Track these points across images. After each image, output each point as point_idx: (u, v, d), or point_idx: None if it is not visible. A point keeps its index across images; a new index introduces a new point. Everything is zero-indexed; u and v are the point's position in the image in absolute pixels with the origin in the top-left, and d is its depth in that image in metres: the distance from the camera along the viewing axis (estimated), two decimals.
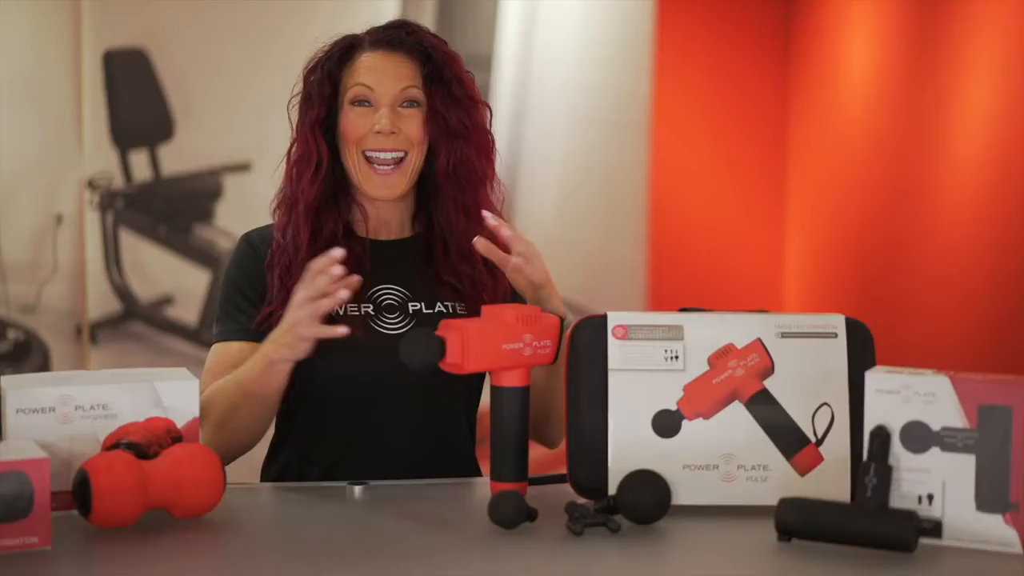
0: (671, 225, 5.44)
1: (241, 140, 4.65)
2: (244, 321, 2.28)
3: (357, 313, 2.28)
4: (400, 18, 2.36)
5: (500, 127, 5.05)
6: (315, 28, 2.37)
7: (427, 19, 4.89)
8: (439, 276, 2.31)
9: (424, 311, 2.29)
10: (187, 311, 4.72)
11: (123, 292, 4.69)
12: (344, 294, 2.05)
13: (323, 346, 2.18)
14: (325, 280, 2.05)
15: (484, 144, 2.32)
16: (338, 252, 2.06)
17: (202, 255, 4.72)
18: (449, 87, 2.28)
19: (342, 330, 2.06)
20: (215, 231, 4.73)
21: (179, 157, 4.71)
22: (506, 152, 5.22)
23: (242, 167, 4.70)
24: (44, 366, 4.60)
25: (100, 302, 4.68)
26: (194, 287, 4.67)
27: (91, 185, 4.65)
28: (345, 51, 2.30)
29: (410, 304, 2.31)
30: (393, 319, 2.29)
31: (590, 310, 5.03)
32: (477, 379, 2.34)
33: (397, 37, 2.29)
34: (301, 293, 2.07)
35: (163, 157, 4.71)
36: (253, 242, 2.33)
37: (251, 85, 4.62)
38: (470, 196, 2.31)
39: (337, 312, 2.24)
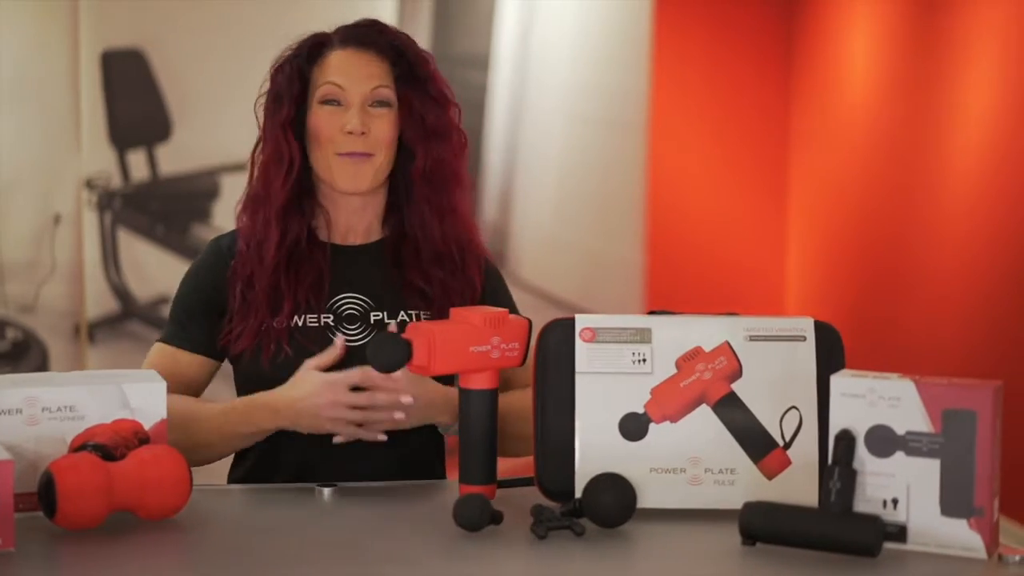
0: (669, 225, 5.43)
1: (238, 140, 4.58)
2: (194, 332, 2.28)
3: (317, 324, 2.26)
4: (369, 18, 2.31)
5: (497, 126, 5.08)
6: (310, 27, 2.34)
7: (424, 18, 4.89)
8: (408, 280, 2.28)
9: (386, 320, 2.27)
10: None
11: (121, 291, 4.71)
12: (401, 416, 2.09)
13: (281, 357, 2.20)
14: (387, 399, 2.09)
15: (459, 144, 2.31)
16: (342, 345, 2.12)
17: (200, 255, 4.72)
18: (424, 85, 2.26)
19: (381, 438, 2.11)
20: (213, 230, 4.74)
21: (177, 157, 4.73)
22: (503, 151, 5.27)
23: (239, 167, 4.65)
24: (43, 365, 4.62)
25: (98, 301, 4.70)
26: None
27: (89, 185, 4.66)
28: (314, 48, 2.26)
29: (372, 314, 2.28)
30: (354, 330, 2.27)
31: (585, 310, 5.04)
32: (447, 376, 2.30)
33: (368, 35, 2.26)
34: (349, 402, 2.08)
35: (161, 157, 4.73)
36: (221, 250, 2.32)
37: (248, 85, 4.59)
38: (445, 198, 2.29)
39: (296, 323, 2.24)
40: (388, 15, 4.83)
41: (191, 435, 2.15)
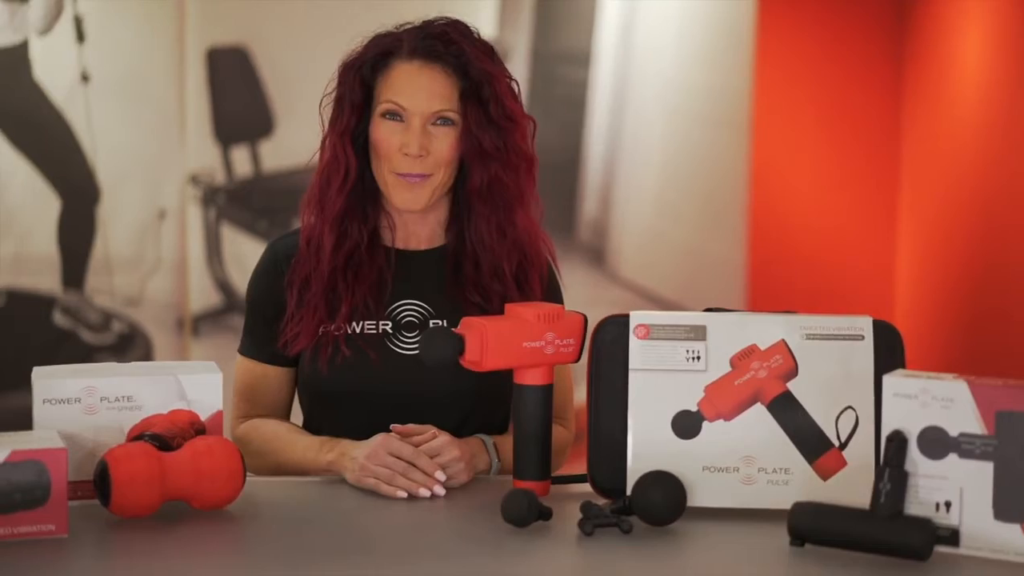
0: (772, 224, 5.38)
1: None
2: (264, 342, 2.29)
3: (375, 331, 2.25)
4: (444, 18, 2.24)
5: (598, 123, 5.06)
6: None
7: (525, 15, 4.89)
8: (466, 293, 2.25)
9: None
10: None
11: (224, 285, 4.78)
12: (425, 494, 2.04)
13: (339, 359, 2.20)
14: (428, 466, 2.05)
15: (519, 163, 2.24)
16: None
17: None
18: (486, 107, 2.20)
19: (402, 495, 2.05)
20: None
21: (279, 153, 4.78)
22: (604, 148, 5.25)
23: None
24: (147, 357, 4.70)
25: (202, 295, 4.77)
26: None
27: (193, 180, 4.74)
28: (380, 57, 2.22)
29: (431, 322, 2.25)
30: (412, 338, 2.25)
31: (687, 308, 5.00)
32: (502, 391, 2.23)
33: (434, 49, 2.19)
34: (391, 449, 2.06)
35: (264, 153, 4.79)
36: (277, 256, 2.31)
37: None
38: (503, 215, 2.25)
39: (354, 329, 2.24)
40: (489, 12, 4.84)
41: (296, 472, 2.19)
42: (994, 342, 4.96)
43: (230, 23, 4.74)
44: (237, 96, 4.76)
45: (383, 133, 2.20)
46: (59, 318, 4.67)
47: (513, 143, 2.23)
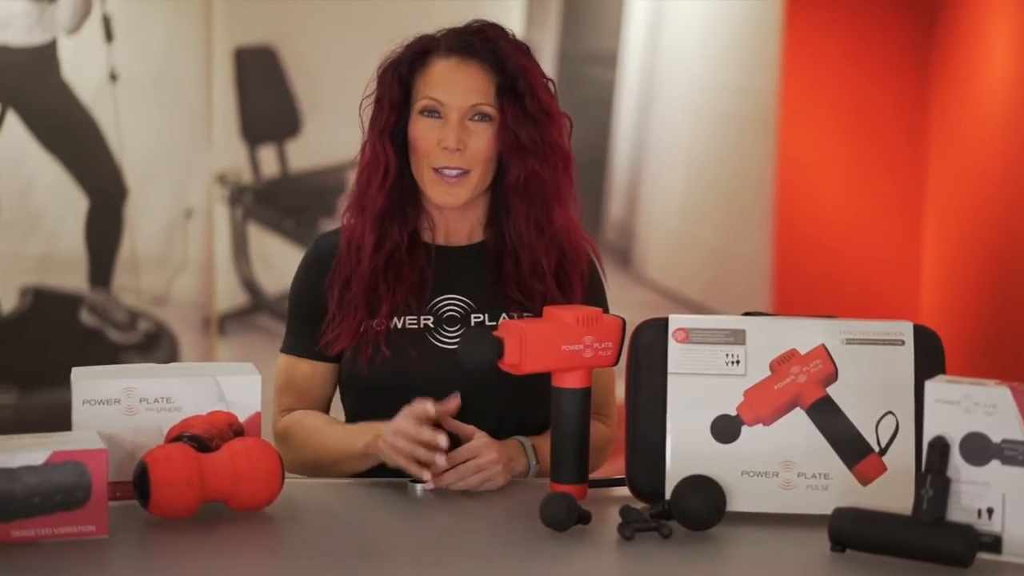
0: (799, 225, 5.36)
1: None
2: (307, 340, 2.30)
3: (416, 326, 2.25)
4: (480, 20, 2.27)
5: (625, 123, 5.05)
6: (439, 24, 2.31)
7: (552, 15, 4.89)
8: (507, 290, 2.26)
9: (487, 323, 2.25)
10: None
11: (250, 285, 4.78)
12: (442, 462, 2.04)
13: (378, 359, 2.21)
14: (425, 437, 2.04)
15: (557, 160, 2.26)
16: (454, 402, 2.09)
17: None
18: (522, 102, 2.22)
19: (426, 476, 2.05)
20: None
21: (306, 153, 4.79)
22: (631, 148, 5.24)
23: None
24: (173, 356, 4.71)
25: (228, 294, 4.77)
26: None
27: (220, 180, 4.74)
28: (418, 56, 2.24)
29: (472, 316, 2.26)
30: (453, 332, 2.25)
31: (712, 310, 5.00)
32: (540, 391, 2.18)
33: (472, 45, 2.22)
34: (404, 426, 2.06)
35: (290, 153, 4.79)
36: (321, 253, 2.32)
37: None
38: (541, 211, 2.26)
39: (395, 324, 2.24)
40: (516, 13, 4.84)
41: (337, 464, 2.20)
42: (1020, 343, 4.94)
43: (258, 23, 4.75)
44: (264, 96, 4.76)
45: (421, 130, 2.22)
46: (86, 317, 4.68)
47: (549, 138, 2.25)
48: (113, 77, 4.63)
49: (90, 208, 4.67)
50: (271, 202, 4.79)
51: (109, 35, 4.63)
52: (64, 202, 4.63)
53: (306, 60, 4.77)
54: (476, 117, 2.22)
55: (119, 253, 4.69)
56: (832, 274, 5.42)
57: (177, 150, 4.71)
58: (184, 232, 4.74)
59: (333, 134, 4.77)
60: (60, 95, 4.61)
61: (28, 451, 1.79)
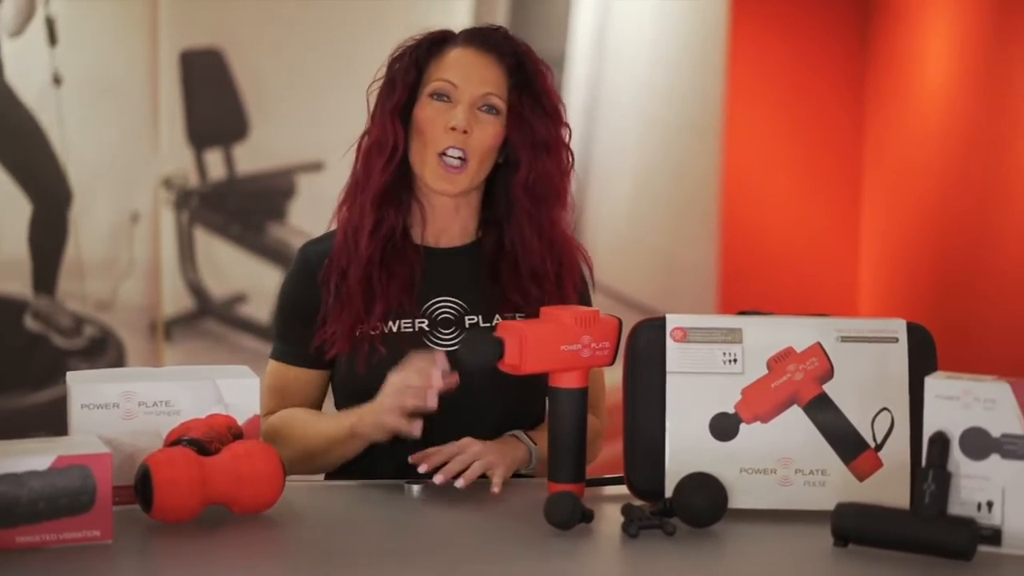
0: (743, 228, 5.41)
1: (314, 140, 4.68)
2: (298, 346, 2.30)
3: (411, 329, 2.25)
4: (496, 24, 2.32)
5: (572, 126, 5.05)
6: (387, 28, 2.35)
7: (500, 17, 4.90)
8: (505, 295, 2.27)
9: (482, 325, 2.26)
10: (260, 309, 4.75)
11: (197, 290, 4.75)
12: (433, 403, 2.04)
13: (376, 359, 2.21)
14: (419, 379, 2.05)
15: (565, 163, 2.28)
16: (442, 359, 2.06)
17: (275, 254, 4.76)
18: (539, 98, 2.24)
19: (416, 431, 2.06)
20: (288, 230, 4.77)
21: (253, 156, 4.76)
22: (577, 153, 5.20)
23: (315, 166, 4.74)
24: (119, 362, 4.66)
25: (175, 299, 4.74)
26: (267, 285, 4.69)
27: (167, 184, 4.70)
28: (436, 43, 2.26)
29: (467, 318, 2.27)
30: (449, 334, 2.26)
31: (660, 312, 5.01)
32: (536, 389, 2.19)
33: (491, 38, 2.25)
34: (396, 380, 2.07)
35: (238, 156, 4.76)
36: (309, 258, 2.32)
37: (325, 85, 4.66)
38: (545, 214, 2.27)
39: (391, 328, 2.24)
40: (463, 16, 4.84)
41: (325, 454, 2.21)
42: (954, 344, 5.02)
43: (204, 25, 4.71)
44: (211, 99, 4.73)
45: (429, 112, 2.23)
46: (30, 323, 4.62)
47: (561, 139, 2.28)
48: (57, 80, 4.58)
49: (34, 212, 4.61)
50: (218, 206, 4.76)
51: (53, 38, 4.57)
52: (7, 207, 4.56)
53: (253, 63, 4.74)
54: (485, 108, 2.24)
55: (64, 258, 4.64)
56: (775, 277, 5.47)
57: (122, 154, 4.66)
58: (130, 236, 4.69)
59: (280, 137, 4.75)
60: (3, 99, 4.54)
61: (33, 456, 1.77)
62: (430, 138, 2.23)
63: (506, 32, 2.28)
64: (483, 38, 2.26)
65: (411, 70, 2.25)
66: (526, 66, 2.24)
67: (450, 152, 2.22)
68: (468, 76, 2.22)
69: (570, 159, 2.30)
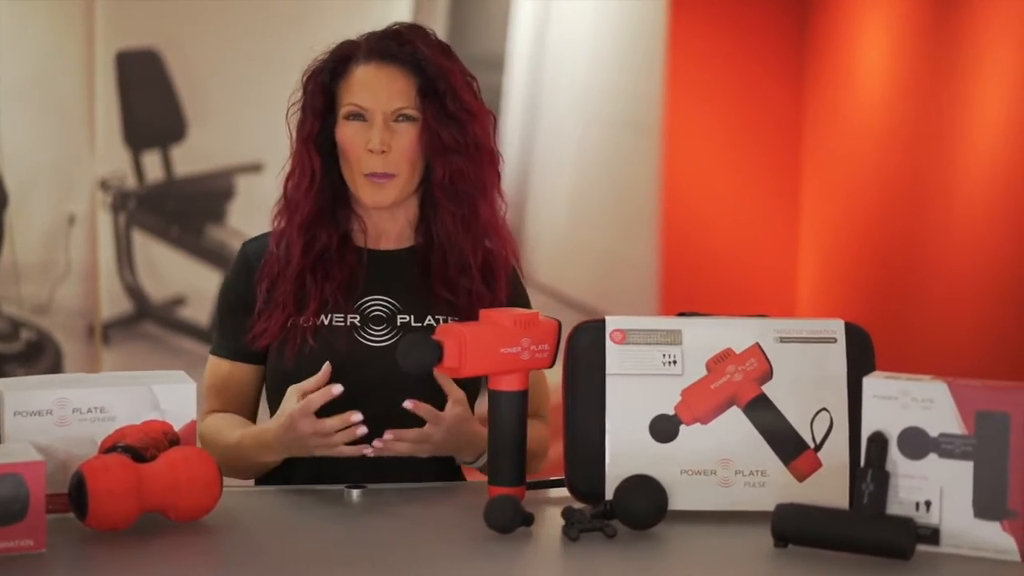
0: (683, 227, 5.43)
1: (253, 141, 4.65)
2: (234, 340, 2.32)
3: (343, 323, 2.27)
4: (399, 23, 2.30)
5: (512, 127, 5.06)
6: (327, 28, 2.34)
7: (439, 19, 4.88)
8: (435, 289, 2.28)
9: (413, 324, 2.27)
10: (199, 311, 4.72)
11: (135, 292, 4.71)
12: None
13: (306, 350, 2.22)
14: (331, 425, 2.08)
15: (481, 157, 2.28)
16: (337, 389, 2.09)
17: (214, 256, 4.73)
18: (442, 101, 2.24)
19: (368, 451, 2.10)
20: (227, 232, 4.73)
21: (191, 158, 4.72)
22: (518, 152, 5.26)
23: (254, 168, 4.71)
24: (57, 366, 4.61)
25: (113, 302, 4.69)
26: (206, 287, 4.66)
27: (103, 185, 4.66)
28: (340, 63, 2.26)
29: (399, 317, 2.28)
30: (379, 331, 2.27)
31: (601, 312, 5.03)
32: (470, 379, 2.21)
33: (390, 49, 2.24)
34: (306, 427, 2.09)
35: (175, 158, 4.72)
36: (248, 256, 2.34)
37: (263, 86, 4.60)
38: (468, 208, 2.28)
39: (323, 321, 2.26)
40: (403, 14, 4.82)
41: (246, 466, 2.25)
42: (892, 342, 5.05)
43: (140, 26, 4.67)
44: (148, 100, 4.68)
45: (348, 134, 2.25)
46: None
47: (472, 136, 2.27)
48: None
49: None
50: (156, 208, 4.72)
51: None
52: None
53: (190, 63, 4.70)
54: (399, 119, 2.24)
55: None
56: (715, 274, 5.49)
57: (58, 155, 4.61)
58: (67, 239, 4.64)
59: (219, 138, 4.72)
60: None
61: None
62: (353, 159, 2.25)
63: (404, 36, 2.26)
64: (381, 51, 2.24)
65: (318, 96, 2.27)
66: (427, 70, 2.24)
67: (375, 179, 2.24)
68: (376, 95, 2.23)
69: (490, 152, 2.30)
